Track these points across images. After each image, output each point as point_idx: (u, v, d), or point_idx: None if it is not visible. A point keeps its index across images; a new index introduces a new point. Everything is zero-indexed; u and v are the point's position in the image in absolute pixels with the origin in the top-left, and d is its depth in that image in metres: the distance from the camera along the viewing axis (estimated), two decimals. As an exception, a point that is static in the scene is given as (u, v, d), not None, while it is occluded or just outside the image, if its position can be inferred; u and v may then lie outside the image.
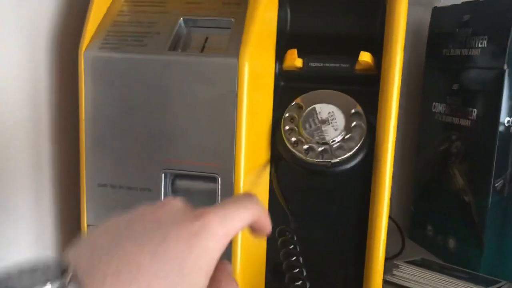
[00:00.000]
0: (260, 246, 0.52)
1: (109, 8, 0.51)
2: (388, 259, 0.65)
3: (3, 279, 0.25)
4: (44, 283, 0.24)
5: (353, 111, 0.47)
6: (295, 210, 0.49)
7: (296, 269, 0.48)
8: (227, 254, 0.44)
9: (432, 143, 0.72)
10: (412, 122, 0.78)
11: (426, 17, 0.73)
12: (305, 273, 0.47)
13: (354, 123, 0.47)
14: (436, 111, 0.70)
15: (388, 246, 0.66)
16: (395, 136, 0.47)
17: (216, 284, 0.30)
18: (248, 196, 0.33)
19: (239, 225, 0.30)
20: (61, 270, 0.25)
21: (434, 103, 0.71)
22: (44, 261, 0.26)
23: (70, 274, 0.25)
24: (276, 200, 0.50)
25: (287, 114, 0.49)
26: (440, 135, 0.70)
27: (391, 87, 0.46)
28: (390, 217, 0.68)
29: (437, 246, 0.70)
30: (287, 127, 0.49)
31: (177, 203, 0.30)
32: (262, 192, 0.51)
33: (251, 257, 0.49)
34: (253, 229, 0.34)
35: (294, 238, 0.50)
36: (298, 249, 0.49)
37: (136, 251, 0.26)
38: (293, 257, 0.49)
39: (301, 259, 0.49)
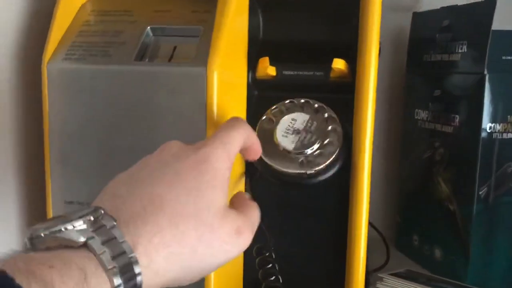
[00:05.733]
0: (236, 262, 0.50)
1: (74, 19, 0.49)
2: (373, 271, 0.63)
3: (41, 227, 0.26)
4: (77, 219, 0.26)
5: (326, 115, 0.45)
6: (271, 224, 0.47)
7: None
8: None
9: (416, 151, 0.70)
10: (395, 130, 0.77)
11: (407, 22, 0.72)
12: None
13: (329, 127, 0.45)
14: (419, 118, 0.69)
15: (374, 258, 0.64)
16: (372, 143, 0.46)
17: (236, 205, 0.34)
18: (237, 119, 0.36)
19: (237, 145, 0.34)
20: (92, 211, 0.27)
21: (416, 110, 0.69)
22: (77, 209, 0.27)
23: (102, 212, 0.27)
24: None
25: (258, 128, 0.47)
26: (423, 142, 0.68)
27: (366, 93, 0.45)
28: (374, 227, 0.66)
29: (423, 256, 0.68)
30: None
31: (175, 143, 0.33)
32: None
33: (226, 273, 0.47)
34: (246, 153, 0.37)
35: (272, 257, 0.48)
36: (276, 268, 0.48)
37: (154, 186, 0.29)
38: (272, 276, 0.47)
39: (280, 279, 0.47)
